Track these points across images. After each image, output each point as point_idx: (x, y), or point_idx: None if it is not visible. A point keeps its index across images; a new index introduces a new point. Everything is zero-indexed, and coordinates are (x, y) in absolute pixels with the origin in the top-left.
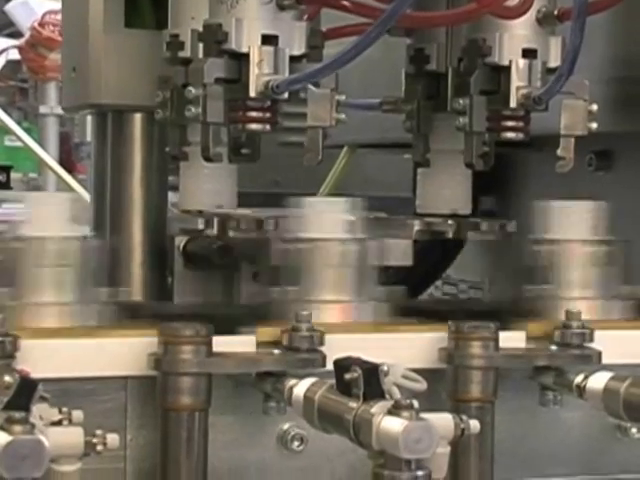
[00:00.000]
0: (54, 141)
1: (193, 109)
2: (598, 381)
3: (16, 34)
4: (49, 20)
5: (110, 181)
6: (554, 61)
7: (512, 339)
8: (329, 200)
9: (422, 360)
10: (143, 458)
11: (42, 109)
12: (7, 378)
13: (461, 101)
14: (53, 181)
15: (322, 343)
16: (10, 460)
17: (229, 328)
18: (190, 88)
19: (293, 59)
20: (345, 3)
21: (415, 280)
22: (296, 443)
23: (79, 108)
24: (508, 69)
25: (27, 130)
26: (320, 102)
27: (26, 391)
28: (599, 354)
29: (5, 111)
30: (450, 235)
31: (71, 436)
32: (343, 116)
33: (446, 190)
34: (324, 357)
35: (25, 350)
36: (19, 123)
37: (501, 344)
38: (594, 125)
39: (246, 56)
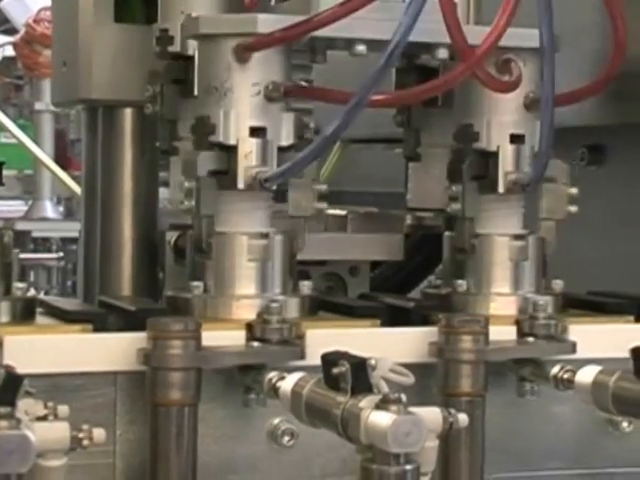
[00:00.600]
0: (50, 138)
1: (186, 202)
2: (587, 375)
3: (11, 31)
4: (44, 17)
5: (101, 176)
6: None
7: (502, 333)
8: None
9: (412, 354)
10: (133, 453)
11: (37, 106)
12: None
13: (454, 188)
14: (48, 178)
15: (298, 335)
16: None
17: None
18: (184, 181)
19: (281, 150)
20: (328, 94)
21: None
22: (286, 438)
23: (69, 103)
24: (495, 154)
25: (22, 127)
26: (302, 192)
27: (12, 386)
28: (574, 345)
29: (0, 108)
30: (442, 230)
31: (57, 431)
32: (325, 205)
33: (437, 185)
34: (302, 350)
35: (13, 345)
36: (15, 120)
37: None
38: (574, 209)
39: (234, 148)
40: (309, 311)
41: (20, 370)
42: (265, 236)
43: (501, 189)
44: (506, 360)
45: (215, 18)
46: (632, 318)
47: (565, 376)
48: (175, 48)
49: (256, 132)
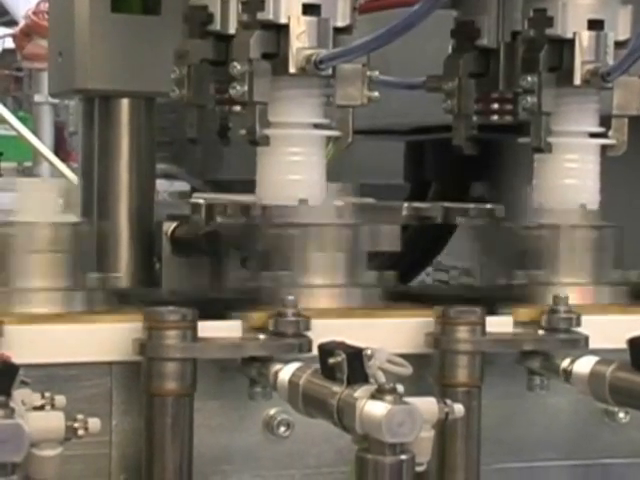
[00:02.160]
0: (49, 130)
1: (239, 87)
2: (584, 365)
3: (11, 23)
4: (43, 8)
5: (98, 166)
6: (623, 33)
7: (499, 324)
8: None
9: (409, 345)
10: (128, 444)
11: (37, 98)
12: None
13: (529, 78)
14: (48, 170)
15: (308, 328)
16: None
17: (217, 313)
18: (235, 64)
19: (336, 31)
20: None
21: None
22: (282, 428)
23: (66, 93)
24: (572, 42)
25: (22, 119)
26: (351, 79)
27: (7, 376)
28: (586, 339)
29: (0, 100)
30: (439, 220)
31: (51, 421)
32: (376, 94)
33: None
34: (310, 342)
35: (10, 335)
36: (14, 112)
37: (488, 329)
38: None
39: (285, 27)
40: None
41: (16, 360)
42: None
43: (577, 80)
44: (515, 353)
45: None
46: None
47: (563, 367)
48: (215, 26)
49: (310, 9)
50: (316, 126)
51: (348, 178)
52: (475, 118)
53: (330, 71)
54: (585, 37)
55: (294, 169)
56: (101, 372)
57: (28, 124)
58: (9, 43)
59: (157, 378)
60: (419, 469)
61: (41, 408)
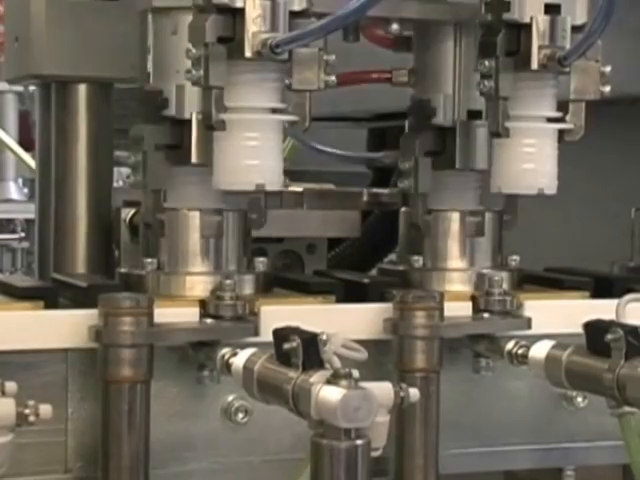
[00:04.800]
0: (13, 119)
1: (194, 72)
2: (540, 350)
3: None
4: None
5: (55, 152)
6: (580, 18)
7: (457, 309)
8: None
9: (368, 331)
10: (85, 431)
11: (0, 86)
12: None
13: (487, 62)
14: (12, 160)
15: (252, 312)
16: None
17: None
18: (190, 47)
19: (293, 15)
20: None
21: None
22: (240, 415)
23: (22, 79)
24: (529, 27)
25: None
26: (307, 63)
27: None
28: (529, 321)
29: None
30: (399, 206)
31: (1, 407)
32: (333, 78)
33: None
34: (256, 326)
35: None
36: None
37: (447, 313)
38: (607, 89)
39: (241, 11)
40: (264, 288)
41: None
42: (219, 213)
43: (534, 65)
44: (461, 336)
45: None
46: (588, 294)
47: (519, 351)
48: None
49: None
50: (273, 111)
51: (311, 165)
52: None
53: (287, 55)
54: (542, 21)
55: (251, 154)
56: (57, 359)
57: None
58: None
59: (113, 365)
60: (375, 454)
61: None
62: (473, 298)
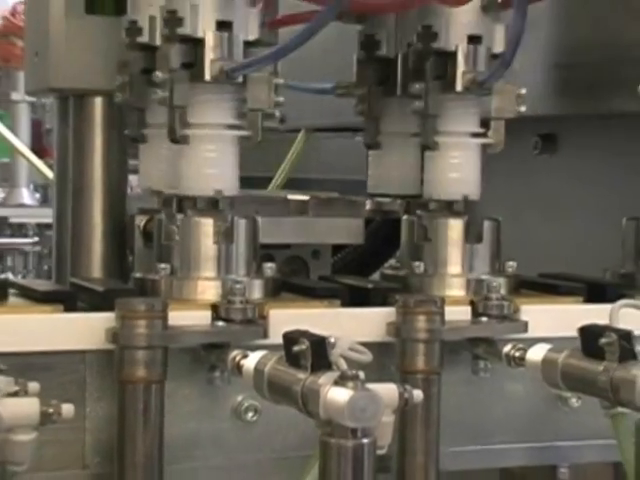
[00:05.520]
0: (26, 127)
1: (160, 92)
2: (537, 353)
3: None
4: (20, 10)
5: (72, 162)
6: (498, 47)
7: (457, 313)
8: None
9: (371, 334)
10: (102, 429)
11: (14, 96)
12: None
13: (417, 85)
14: (25, 166)
15: (261, 315)
16: None
17: None
18: (157, 73)
19: (247, 44)
20: None
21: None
22: (250, 414)
23: (41, 92)
24: (454, 54)
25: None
26: (259, 85)
27: None
28: (526, 324)
29: None
30: (401, 215)
31: (26, 406)
32: (282, 99)
33: (396, 171)
34: (264, 330)
35: None
36: None
37: (447, 317)
38: (523, 108)
39: (201, 41)
40: (272, 292)
41: None
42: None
43: (459, 87)
44: (461, 339)
45: None
46: (581, 299)
47: (517, 354)
48: (144, 39)
49: (222, 26)
50: (230, 127)
51: (314, 173)
52: None
53: (241, 79)
54: (465, 50)
55: (210, 164)
56: (75, 360)
57: (5, 121)
58: None
59: (129, 366)
60: (380, 452)
61: (15, 394)
62: (472, 303)
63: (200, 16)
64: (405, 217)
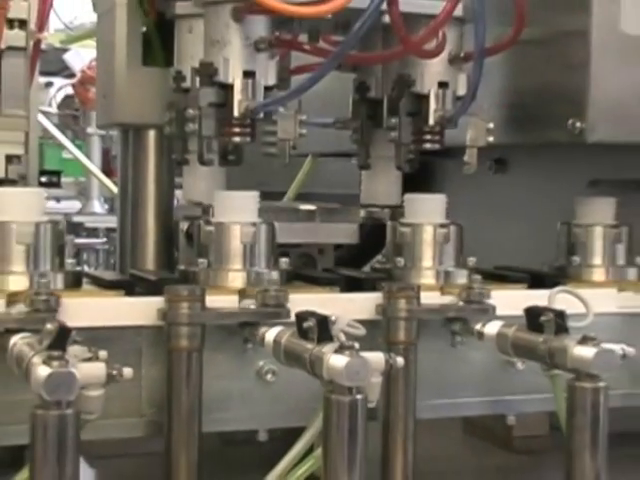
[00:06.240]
0: (98, 154)
1: (191, 125)
2: (493, 328)
3: (70, 75)
4: (94, 65)
5: (131, 180)
6: (461, 91)
7: (430, 297)
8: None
9: (364, 313)
10: (154, 387)
11: (89, 130)
12: (49, 326)
13: (393, 120)
14: (96, 183)
15: (287, 300)
16: (49, 387)
17: None
18: (189, 110)
19: (267, 89)
20: (305, 47)
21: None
22: (269, 375)
23: (109, 126)
24: (427, 97)
25: (78, 146)
26: (287, 121)
27: (62, 336)
28: (494, 308)
29: (62, 132)
30: (387, 221)
31: (96, 369)
32: (304, 131)
33: (382, 187)
34: (288, 311)
35: (65, 307)
36: (72, 141)
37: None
38: (491, 138)
39: (231, 86)
40: (286, 281)
41: (69, 324)
42: (253, 225)
43: (431, 121)
44: (433, 318)
45: None
46: (526, 286)
47: (477, 329)
48: (186, 84)
49: (248, 74)
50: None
51: (319, 189)
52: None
53: (262, 115)
54: (436, 93)
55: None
56: (134, 334)
57: (82, 149)
58: (69, 90)
59: (175, 338)
60: (370, 405)
61: (88, 360)
62: (442, 289)
63: (230, 67)
64: (389, 223)
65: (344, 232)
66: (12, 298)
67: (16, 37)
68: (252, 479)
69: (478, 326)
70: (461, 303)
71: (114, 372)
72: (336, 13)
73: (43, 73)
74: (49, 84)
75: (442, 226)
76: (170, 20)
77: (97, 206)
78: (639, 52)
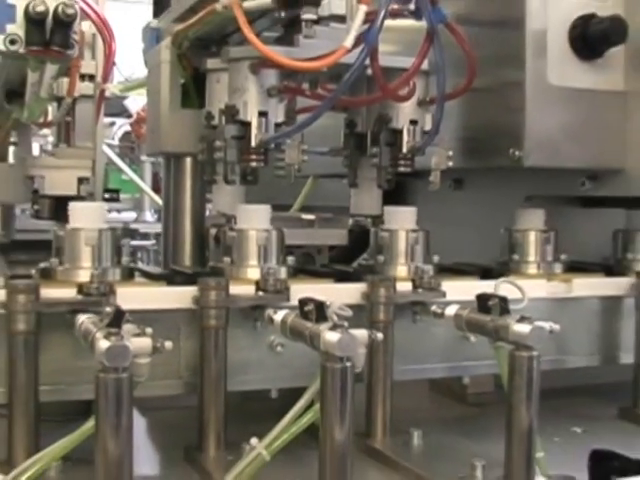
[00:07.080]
0: (149, 176)
1: (219, 154)
2: (451, 310)
3: (129, 116)
4: (145, 108)
5: (172, 196)
6: (428, 126)
7: (403, 286)
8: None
9: (352, 299)
10: (190, 356)
11: (142, 158)
12: (108, 309)
13: (375, 149)
14: (148, 199)
15: (286, 287)
16: (109, 356)
17: None
18: (217, 141)
19: (277, 125)
20: (306, 93)
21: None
22: (279, 348)
23: (156, 154)
24: (401, 131)
25: (134, 170)
26: (292, 149)
27: (118, 316)
28: (444, 293)
29: (122, 159)
30: (370, 227)
31: (144, 342)
32: (306, 158)
33: (367, 201)
34: (288, 296)
35: (120, 294)
36: (129, 166)
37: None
38: (450, 163)
39: (249, 123)
40: (292, 274)
41: (124, 307)
42: (267, 231)
43: (404, 150)
44: (405, 302)
45: (238, 49)
46: (478, 277)
47: (438, 311)
48: (215, 122)
49: (262, 114)
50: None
51: (319, 203)
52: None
53: (273, 145)
54: (408, 128)
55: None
56: (173, 315)
57: (137, 173)
58: (127, 128)
59: (205, 319)
60: (357, 371)
61: (138, 335)
62: (413, 280)
63: (249, 109)
64: (372, 229)
65: (337, 236)
66: (81, 287)
67: (86, 88)
68: (265, 427)
69: (434, 307)
70: (421, 290)
71: (158, 345)
72: (330, 67)
73: (107, 114)
74: (112, 123)
75: (413, 231)
76: (203, 73)
77: (148, 216)
78: (562, 98)
